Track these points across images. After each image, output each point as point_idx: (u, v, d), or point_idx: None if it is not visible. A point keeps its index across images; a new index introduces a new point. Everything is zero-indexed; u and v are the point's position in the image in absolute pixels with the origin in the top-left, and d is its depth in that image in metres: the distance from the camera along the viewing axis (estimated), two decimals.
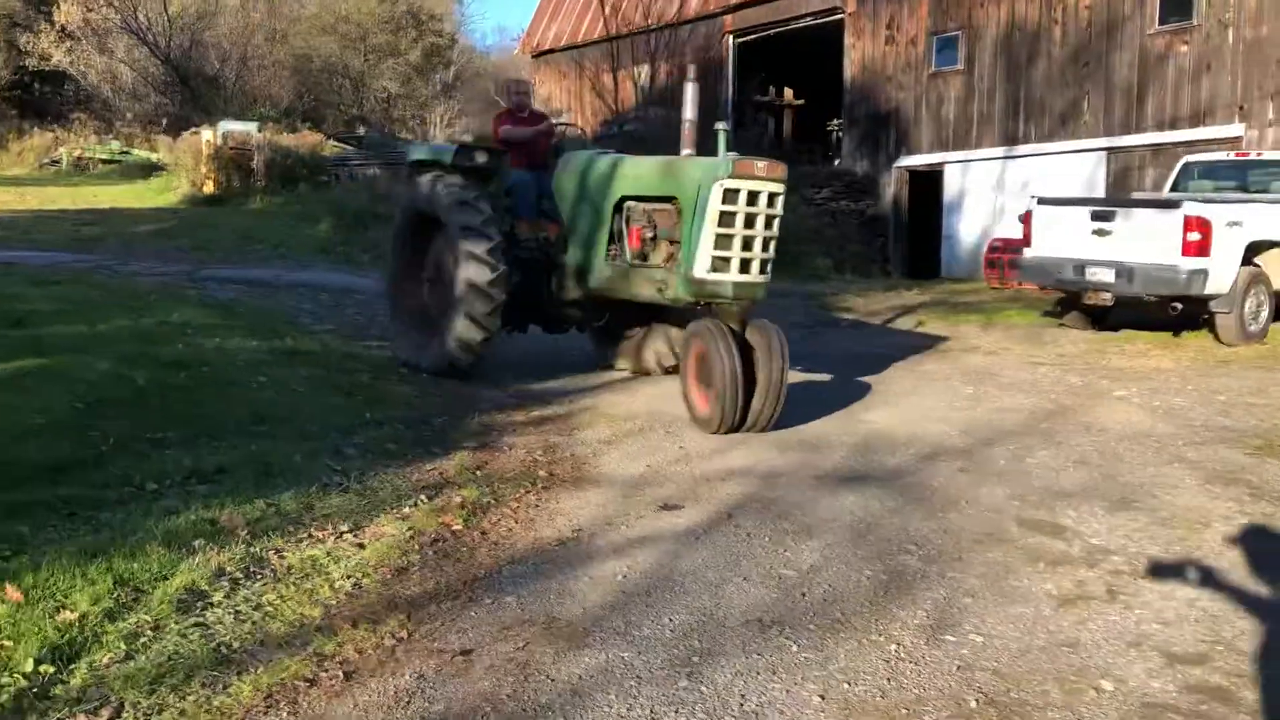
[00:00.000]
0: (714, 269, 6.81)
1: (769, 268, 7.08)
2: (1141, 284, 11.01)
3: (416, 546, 4.67)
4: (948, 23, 21.47)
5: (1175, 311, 11.23)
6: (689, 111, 7.30)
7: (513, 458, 6.31)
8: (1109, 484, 5.93)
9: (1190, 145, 17.55)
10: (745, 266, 6.90)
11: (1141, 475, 6.14)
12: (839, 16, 23.50)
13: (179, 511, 4.63)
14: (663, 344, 8.82)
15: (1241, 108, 17.25)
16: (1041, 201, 12.25)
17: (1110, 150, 18.82)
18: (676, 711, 3.25)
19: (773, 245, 7.05)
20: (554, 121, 9.81)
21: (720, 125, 6.95)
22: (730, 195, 6.69)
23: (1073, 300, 12.29)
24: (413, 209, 8.64)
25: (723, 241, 6.79)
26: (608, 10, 22.96)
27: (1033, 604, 4.15)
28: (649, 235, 7.49)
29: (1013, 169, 20.34)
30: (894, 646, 3.73)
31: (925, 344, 11.58)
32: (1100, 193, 18.51)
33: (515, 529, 5.04)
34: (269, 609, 3.89)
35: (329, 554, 4.47)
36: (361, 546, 4.60)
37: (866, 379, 8.97)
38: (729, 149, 6.93)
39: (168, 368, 6.97)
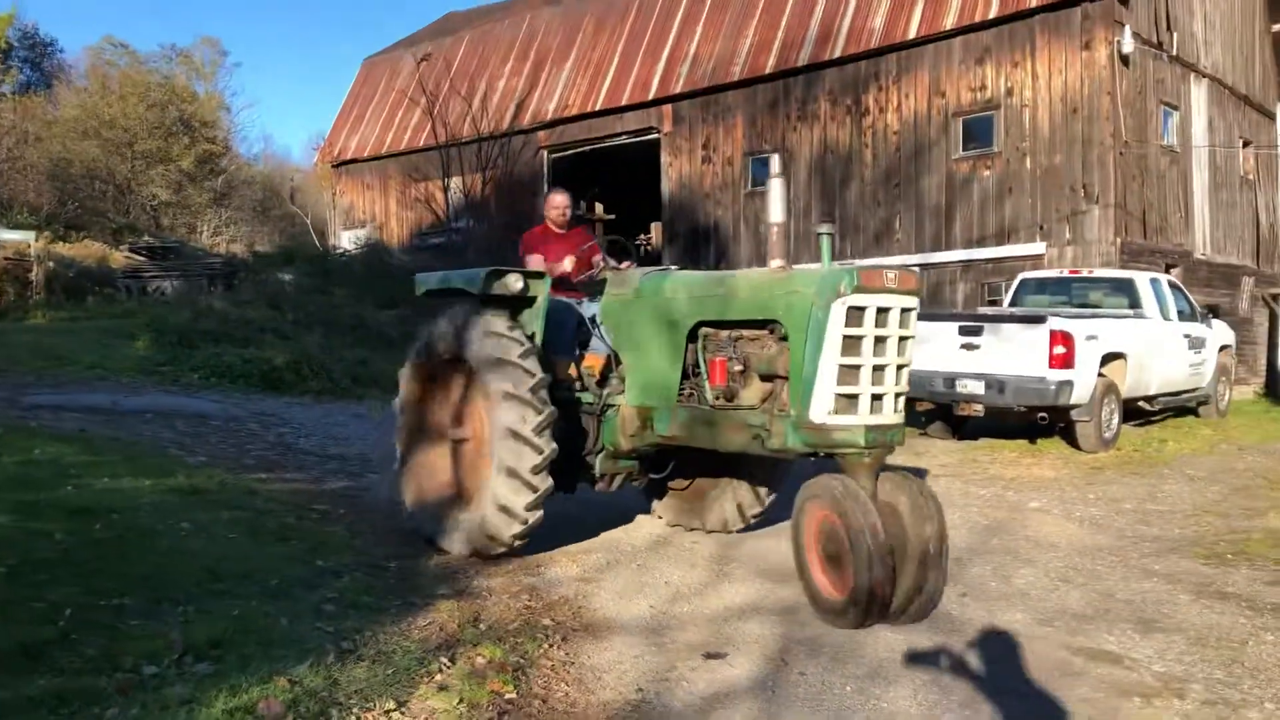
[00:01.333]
0: (838, 410, 5.33)
1: (902, 404, 5.55)
2: (1013, 395, 11.49)
3: None
4: (762, 144, 22.36)
5: (1044, 421, 11.77)
6: (777, 213, 5.88)
7: (501, 604, 5.73)
8: (1112, 603, 5.96)
9: (998, 262, 18.91)
10: (876, 404, 5.41)
11: (1131, 592, 6.22)
12: (654, 136, 24.09)
13: (199, 701, 3.86)
14: (739, 497, 7.26)
15: (1041, 227, 18.65)
16: None
17: (923, 266, 19.87)
18: None
19: (906, 376, 5.55)
20: (596, 239, 7.82)
21: (824, 228, 5.66)
22: (855, 315, 5.28)
23: (941, 411, 12.71)
24: (430, 350, 6.87)
25: (848, 375, 5.32)
26: (437, 123, 22.67)
27: None
28: (737, 369, 6.00)
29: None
30: None
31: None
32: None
33: (572, 692, 4.51)
34: None
35: None
36: None
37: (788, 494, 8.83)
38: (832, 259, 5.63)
39: (77, 517, 6.00)
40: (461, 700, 4.25)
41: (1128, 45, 17.79)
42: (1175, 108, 19.92)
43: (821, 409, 5.34)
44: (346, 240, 29.40)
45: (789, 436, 5.54)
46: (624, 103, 24.30)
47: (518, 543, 6.36)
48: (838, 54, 20.98)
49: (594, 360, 6.95)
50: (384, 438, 7.34)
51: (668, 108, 23.79)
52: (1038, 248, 18.62)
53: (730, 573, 6.53)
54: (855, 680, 4.67)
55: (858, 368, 5.31)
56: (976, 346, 11.81)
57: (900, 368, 5.46)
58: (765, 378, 5.90)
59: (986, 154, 19.31)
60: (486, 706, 4.25)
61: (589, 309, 7.14)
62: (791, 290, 5.56)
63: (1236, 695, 4.52)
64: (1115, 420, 12.08)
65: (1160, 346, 12.96)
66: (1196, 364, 13.94)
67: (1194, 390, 14.17)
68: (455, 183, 23.04)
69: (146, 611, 4.83)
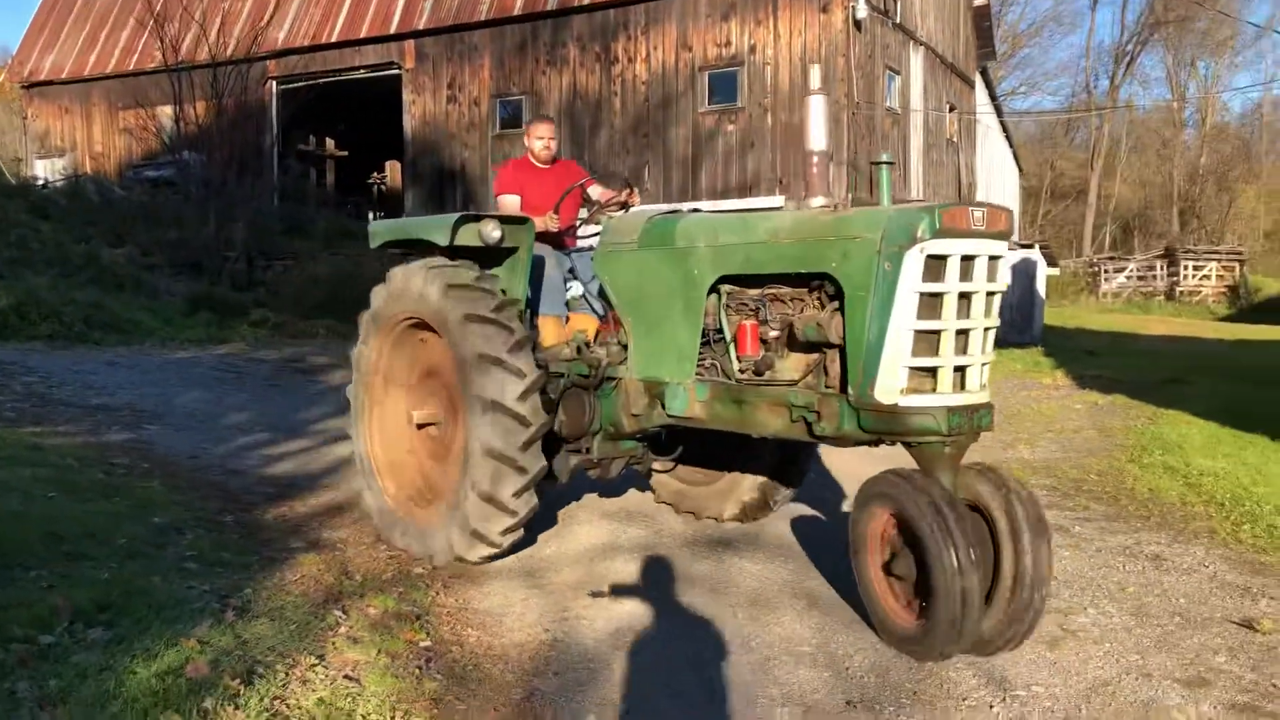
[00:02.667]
0: (912, 388, 4.27)
1: (988, 377, 4.49)
2: None
3: (415, 671, 4.08)
4: (510, 87, 22.21)
5: None
6: (819, 138, 4.89)
7: (363, 555, 5.64)
8: None
9: (742, 213, 19.76)
10: (960, 379, 4.35)
11: None
12: (396, 72, 23.37)
13: (114, 668, 3.63)
14: (756, 485, 6.20)
15: (781, 181, 19.69)
16: None
17: None
18: None
19: (992, 341, 4.47)
20: (590, 178, 6.63)
21: (884, 156, 4.65)
22: (934, 266, 4.18)
23: None
24: (390, 314, 5.70)
25: (925, 343, 4.27)
26: (166, 45, 20.88)
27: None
28: (772, 335, 4.85)
29: (583, 229, 21.42)
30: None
31: None
32: None
33: (482, 637, 4.57)
34: None
35: (335, 694, 3.77)
36: (354, 680, 3.92)
37: None
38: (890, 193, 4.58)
39: None
40: (380, 651, 4.22)
41: (861, 11, 18.99)
42: (897, 73, 21.49)
43: (891, 387, 4.27)
44: (43, 170, 26.74)
45: (845, 420, 4.46)
46: (362, 35, 23.41)
47: (507, 540, 5.25)
48: (586, 0, 21.10)
49: (584, 322, 6.03)
50: None
51: (410, 44, 23.12)
52: (777, 200, 19.62)
53: (575, 515, 6.68)
54: (742, 609, 4.97)
55: (938, 333, 4.26)
56: None
57: (988, 330, 4.40)
58: (809, 346, 4.69)
59: (731, 109, 20.10)
60: (407, 656, 4.23)
61: (577, 260, 6.28)
62: (849, 235, 4.42)
63: (1062, 603, 5.15)
64: None
65: None
66: None
67: None
68: (181, 111, 21.40)
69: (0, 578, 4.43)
